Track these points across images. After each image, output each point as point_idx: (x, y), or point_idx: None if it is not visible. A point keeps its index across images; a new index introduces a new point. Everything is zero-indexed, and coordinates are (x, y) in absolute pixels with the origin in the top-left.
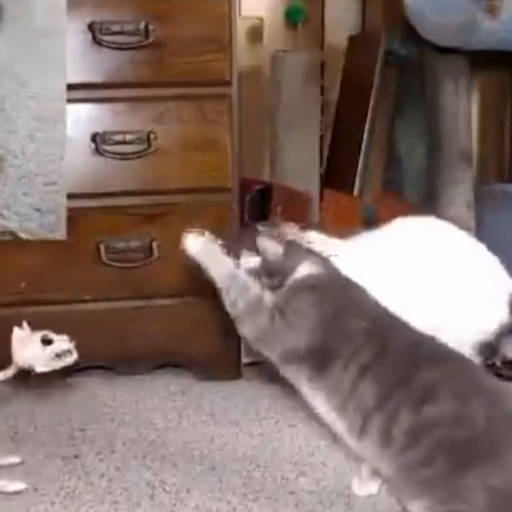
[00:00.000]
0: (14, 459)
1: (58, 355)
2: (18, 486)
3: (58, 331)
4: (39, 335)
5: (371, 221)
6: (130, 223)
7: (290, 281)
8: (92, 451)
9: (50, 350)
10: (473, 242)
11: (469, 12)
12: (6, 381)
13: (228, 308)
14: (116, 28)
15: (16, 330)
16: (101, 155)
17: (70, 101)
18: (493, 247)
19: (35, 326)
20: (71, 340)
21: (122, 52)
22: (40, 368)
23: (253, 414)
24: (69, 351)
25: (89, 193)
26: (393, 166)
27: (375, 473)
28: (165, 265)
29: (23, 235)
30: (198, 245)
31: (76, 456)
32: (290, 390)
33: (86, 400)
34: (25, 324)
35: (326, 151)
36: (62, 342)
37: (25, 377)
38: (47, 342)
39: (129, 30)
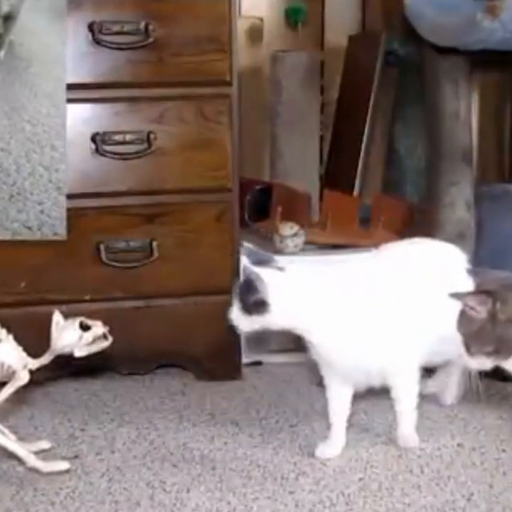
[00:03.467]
0: (46, 445)
1: (94, 340)
2: (60, 465)
3: None
4: (77, 321)
5: (366, 221)
6: (130, 223)
7: None
8: (92, 451)
9: (87, 335)
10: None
11: (469, 12)
12: (42, 367)
13: None
14: (116, 28)
15: (54, 317)
16: (101, 155)
17: (70, 101)
18: (493, 247)
19: (35, 326)
20: (105, 325)
21: (122, 52)
22: (78, 353)
23: (253, 414)
24: (104, 336)
25: (89, 193)
26: (393, 166)
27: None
28: (165, 265)
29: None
30: None
31: (76, 456)
32: (290, 390)
33: (86, 400)
34: (58, 312)
35: (326, 151)
36: (97, 327)
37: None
38: (84, 328)
39: (129, 30)
